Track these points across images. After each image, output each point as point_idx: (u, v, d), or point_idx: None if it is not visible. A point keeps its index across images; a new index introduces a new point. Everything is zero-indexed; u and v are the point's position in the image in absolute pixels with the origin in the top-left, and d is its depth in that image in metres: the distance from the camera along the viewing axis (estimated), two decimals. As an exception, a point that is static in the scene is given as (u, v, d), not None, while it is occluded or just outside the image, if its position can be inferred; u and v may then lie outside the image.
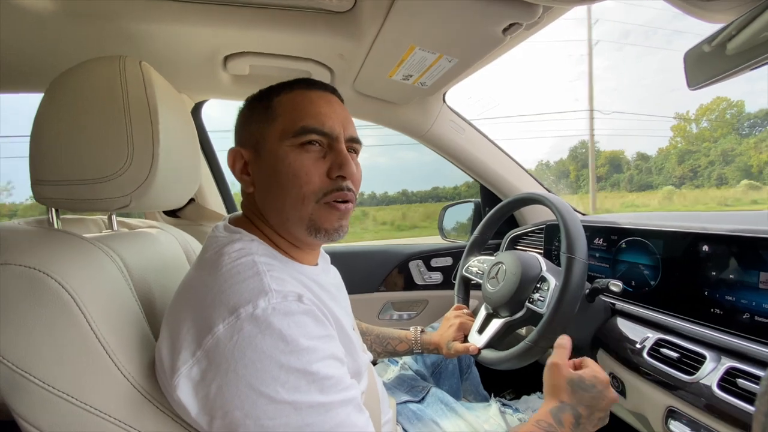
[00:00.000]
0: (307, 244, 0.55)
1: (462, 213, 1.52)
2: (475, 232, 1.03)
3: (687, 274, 0.70)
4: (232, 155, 0.54)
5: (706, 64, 0.55)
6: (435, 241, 1.54)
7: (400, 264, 1.38)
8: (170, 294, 0.49)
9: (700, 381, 0.58)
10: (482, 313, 0.87)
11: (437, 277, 1.40)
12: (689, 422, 0.60)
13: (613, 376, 0.75)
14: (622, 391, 0.74)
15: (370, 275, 1.37)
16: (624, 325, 0.77)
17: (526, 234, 1.20)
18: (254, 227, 0.54)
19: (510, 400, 0.88)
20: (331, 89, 0.56)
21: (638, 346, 0.70)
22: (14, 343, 0.39)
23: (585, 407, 0.58)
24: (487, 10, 0.62)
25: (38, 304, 0.40)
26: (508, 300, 0.78)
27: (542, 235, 1.11)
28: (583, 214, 1.18)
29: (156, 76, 0.53)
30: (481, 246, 1.04)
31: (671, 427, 0.62)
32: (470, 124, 1.21)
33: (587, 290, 0.75)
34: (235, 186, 1.33)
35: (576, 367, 0.63)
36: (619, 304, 0.81)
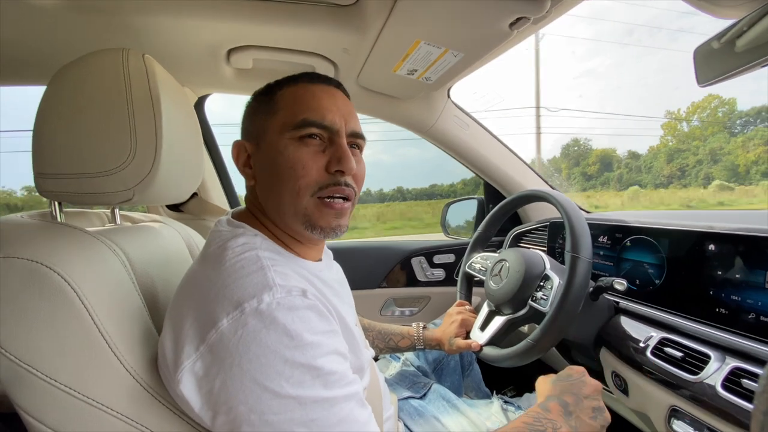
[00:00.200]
0: (308, 239, 0.55)
1: (465, 210, 1.51)
2: (479, 229, 1.03)
3: (692, 273, 0.70)
4: (236, 148, 0.55)
5: (715, 61, 0.54)
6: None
7: (402, 260, 1.38)
8: (173, 288, 0.49)
9: (704, 381, 0.58)
10: (485, 310, 0.86)
11: (439, 273, 1.39)
12: (692, 422, 0.60)
13: (616, 375, 0.75)
14: (624, 390, 0.73)
15: (372, 271, 1.37)
16: (628, 324, 0.76)
17: (529, 231, 1.20)
18: (257, 222, 0.54)
19: (512, 397, 0.87)
20: (335, 83, 0.56)
21: (642, 344, 0.69)
22: (17, 336, 0.40)
23: (569, 395, 0.61)
24: (494, 4, 0.61)
25: (41, 298, 0.40)
26: (511, 298, 0.78)
27: (546, 232, 1.11)
28: (588, 212, 1.17)
29: (159, 69, 0.52)
30: (485, 243, 1.04)
31: (674, 426, 0.62)
32: (475, 120, 1.20)
33: (591, 288, 0.75)
34: (239, 182, 1.33)
35: None
36: (623, 303, 0.81)
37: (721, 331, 0.62)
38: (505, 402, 0.83)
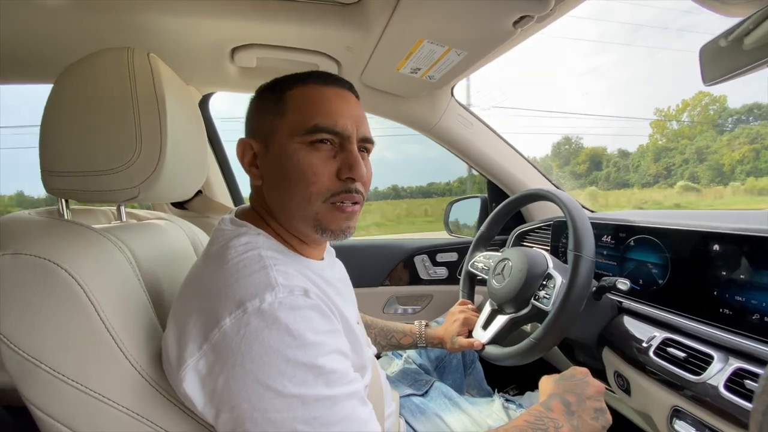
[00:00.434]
0: (313, 240, 0.55)
1: (468, 208, 1.51)
2: (482, 228, 1.03)
3: (696, 273, 0.69)
4: (242, 146, 0.53)
5: (722, 59, 0.54)
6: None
7: (405, 258, 1.38)
8: (177, 285, 0.49)
9: (707, 381, 0.58)
10: (487, 309, 0.86)
11: (442, 272, 1.39)
12: (694, 422, 0.60)
13: (618, 375, 0.75)
14: (627, 390, 0.73)
15: (375, 269, 1.37)
16: (630, 324, 0.76)
17: (532, 230, 1.19)
18: (261, 221, 0.54)
19: (513, 395, 0.88)
20: (347, 85, 0.54)
21: (644, 344, 0.69)
22: (25, 332, 0.40)
23: (572, 395, 0.61)
24: (498, 3, 0.61)
25: (48, 294, 0.41)
26: (514, 296, 0.78)
27: (549, 231, 1.10)
28: (592, 211, 1.17)
29: (164, 67, 0.53)
30: (488, 242, 1.03)
31: (676, 426, 0.62)
32: (478, 119, 1.20)
33: (594, 288, 0.75)
34: (243, 180, 1.34)
35: None
36: (626, 303, 0.81)
37: (724, 331, 0.62)
38: (507, 400, 0.83)
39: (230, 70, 0.95)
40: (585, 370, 0.66)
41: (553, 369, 1.13)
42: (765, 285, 0.59)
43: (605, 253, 0.90)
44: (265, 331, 0.39)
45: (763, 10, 0.46)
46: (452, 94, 1.13)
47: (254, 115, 0.54)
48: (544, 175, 1.30)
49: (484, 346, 0.81)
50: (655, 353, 0.67)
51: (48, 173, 0.49)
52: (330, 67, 0.92)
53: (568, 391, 0.61)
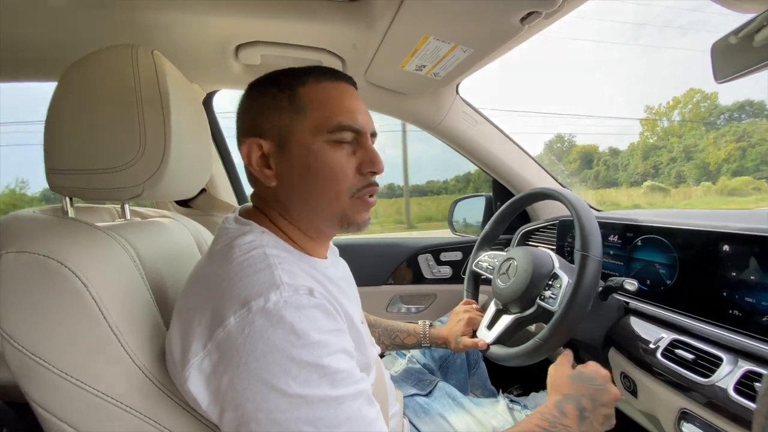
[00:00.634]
0: (327, 235, 0.56)
1: (473, 207, 1.50)
2: (486, 227, 1.02)
3: (705, 274, 0.68)
4: (248, 147, 0.51)
5: (733, 57, 0.53)
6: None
7: (409, 257, 1.37)
8: (181, 283, 0.49)
9: (716, 384, 0.57)
10: (492, 309, 0.86)
11: (446, 271, 1.39)
12: (702, 425, 0.59)
13: (625, 376, 0.74)
14: (633, 391, 0.72)
15: (378, 268, 1.37)
16: (637, 325, 0.75)
17: (538, 229, 1.18)
18: (266, 219, 0.53)
19: (518, 396, 0.87)
20: (352, 80, 0.55)
21: (652, 346, 0.68)
22: (28, 329, 0.40)
23: (588, 400, 0.59)
24: (505, -1, 0.60)
25: (51, 292, 0.41)
26: (519, 296, 0.77)
27: (555, 231, 1.09)
28: (599, 210, 1.15)
29: (168, 65, 0.52)
30: (492, 241, 1.03)
31: (683, 429, 0.61)
32: (483, 117, 1.19)
33: (601, 288, 0.74)
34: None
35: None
36: (633, 303, 0.80)
37: (734, 333, 0.61)
38: (511, 401, 0.82)
39: (234, 68, 0.95)
40: (607, 374, 0.64)
41: (558, 369, 1.12)
42: (776, 286, 0.58)
43: (612, 252, 0.89)
44: (269, 331, 0.39)
45: None
46: (457, 92, 1.12)
47: (259, 114, 0.52)
48: (549, 174, 1.29)
49: (488, 346, 0.80)
50: (662, 355, 0.66)
51: (52, 171, 0.49)
52: (334, 65, 0.92)
53: (585, 396, 0.59)
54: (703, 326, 0.65)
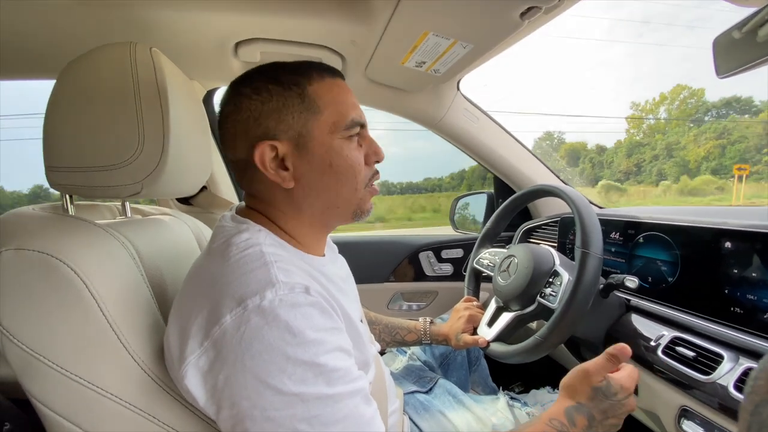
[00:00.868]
0: (332, 230, 0.59)
1: (474, 204, 1.49)
2: (488, 224, 1.02)
3: (707, 271, 0.68)
4: (260, 150, 0.48)
5: (736, 51, 0.52)
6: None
7: (410, 255, 1.37)
8: (181, 281, 0.49)
9: (717, 381, 0.57)
10: (492, 306, 0.86)
11: (447, 268, 1.39)
12: (703, 422, 0.59)
13: None
14: (634, 389, 0.72)
15: (379, 265, 1.37)
16: (638, 322, 0.75)
17: (539, 227, 1.18)
18: (263, 217, 0.53)
19: (518, 393, 0.87)
20: (343, 76, 0.56)
21: (653, 343, 0.68)
22: (28, 326, 0.41)
23: (600, 412, 0.55)
24: (505, -6, 0.59)
25: (51, 289, 0.41)
26: (520, 294, 0.77)
27: (556, 228, 1.09)
28: (600, 207, 1.15)
29: (166, 62, 0.52)
30: (493, 238, 1.02)
31: (684, 426, 0.61)
32: (485, 113, 1.18)
33: (601, 285, 0.73)
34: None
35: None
36: (634, 301, 0.79)
37: (735, 330, 0.61)
38: (512, 398, 0.82)
39: (234, 65, 0.94)
40: (630, 389, 0.56)
41: (559, 366, 1.12)
42: (778, 283, 0.57)
43: (613, 250, 0.88)
44: (265, 329, 0.39)
45: None
46: (458, 88, 1.11)
47: (265, 115, 0.49)
48: (551, 171, 1.28)
49: (489, 343, 0.80)
50: (663, 352, 0.66)
51: (51, 168, 0.49)
52: (334, 62, 0.91)
53: (599, 410, 0.55)
54: (704, 323, 0.65)
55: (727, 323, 0.63)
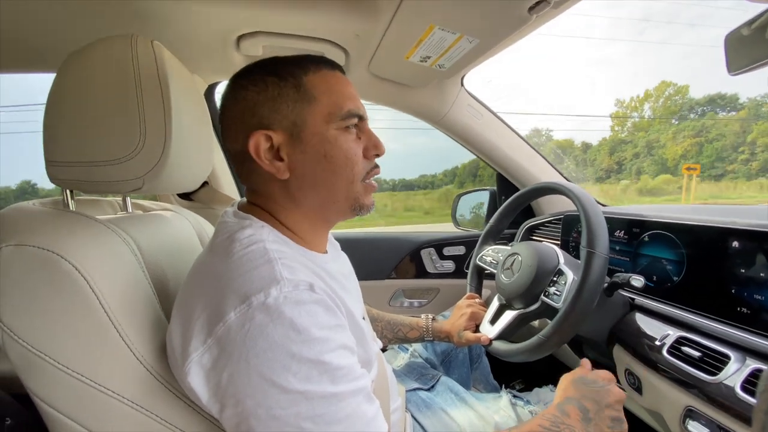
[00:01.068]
0: (333, 225, 0.58)
1: (477, 201, 1.49)
2: (491, 221, 1.01)
3: (713, 270, 0.67)
4: (255, 140, 0.48)
5: (745, 49, 0.52)
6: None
7: (412, 252, 1.37)
8: (183, 277, 0.49)
9: (723, 382, 0.56)
10: (495, 304, 0.85)
11: (449, 265, 1.38)
12: (708, 423, 0.58)
13: (630, 373, 0.74)
14: (638, 388, 0.72)
15: (381, 262, 1.36)
16: (643, 321, 0.74)
17: (543, 224, 1.17)
18: (265, 213, 0.53)
19: (520, 391, 0.87)
20: (343, 70, 0.56)
21: (657, 343, 0.68)
22: (28, 323, 0.40)
23: (591, 401, 0.59)
24: (513, -13, 0.58)
25: (51, 285, 0.40)
26: (523, 292, 0.76)
27: (560, 225, 1.08)
28: (605, 206, 1.14)
29: (168, 55, 0.51)
30: (496, 235, 1.02)
31: (689, 427, 0.60)
32: (489, 110, 1.17)
33: (606, 284, 0.73)
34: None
35: None
36: (639, 300, 0.79)
37: (741, 330, 0.60)
38: (514, 396, 0.82)
39: (236, 59, 0.93)
40: (610, 376, 0.64)
41: (561, 365, 1.12)
42: (787, 284, 0.57)
43: (618, 248, 0.88)
44: (269, 326, 0.38)
45: None
46: (462, 84, 1.10)
47: (260, 105, 0.49)
48: (555, 168, 1.27)
49: (491, 341, 0.80)
50: (668, 352, 0.65)
51: (52, 163, 0.48)
52: (337, 56, 0.90)
53: (586, 397, 0.60)
54: (710, 323, 0.65)
55: (734, 323, 0.62)
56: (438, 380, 0.85)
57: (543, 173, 1.25)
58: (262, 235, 0.47)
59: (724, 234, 0.66)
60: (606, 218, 0.71)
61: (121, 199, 0.67)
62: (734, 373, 0.56)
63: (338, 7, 0.74)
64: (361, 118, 0.53)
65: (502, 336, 0.79)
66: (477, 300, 0.93)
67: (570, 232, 1.04)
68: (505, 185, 1.34)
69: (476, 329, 0.86)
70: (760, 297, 0.60)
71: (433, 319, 0.92)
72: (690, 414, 0.61)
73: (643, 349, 0.70)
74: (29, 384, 0.41)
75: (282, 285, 0.40)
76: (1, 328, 0.40)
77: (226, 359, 0.39)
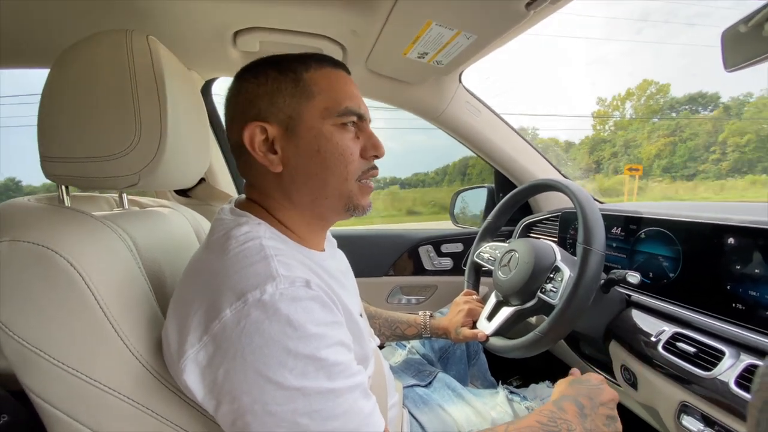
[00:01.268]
0: (328, 223, 0.57)
1: (475, 198, 1.49)
2: (488, 218, 1.01)
3: (709, 267, 0.67)
4: (250, 130, 0.49)
5: (742, 45, 0.52)
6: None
7: (409, 249, 1.37)
8: (180, 273, 0.48)
9: (717, 377, 0.57)
10: (492, 301, 0.85)
11: (447, 262, 1.38)
12: (703, 418, 0.59)
13: (625, 368, 0.74)
14: (633, 384, 0.72)
15: (379, 259, 1.36)
16: (639, 317, 0.75)
17: (540, 221, 1.17)
18: (263, 210, 0.53)
19: (517, 387, 0.87)
20: (347, 69, 0.56)
21: (653, 338, 0.68)
22: (24, 320, 0.40)
23: (586, 398, 0.60)
24: (510, -17, 0.58)
25: (46, 282, 0.40)
26: (520, 289, 0.77)
27: (557, 223, 1.08)
28: (602, 203, 1.14)
29: (164, 51, 0.51)
30: (494, 232, 1.02)
31: (683, 422, 0.61)
32: (487, 106, 1.17)
33: (603, 281, 0.73)
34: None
35: None
36: (635, 296, 0.79)
37: (736, 327, 0.61)
38: (511, 392, 0.82)
39: (233, 55, 0.93)
40: (601, 377, 0.66)
41: (558, 361, 1.12)
42: (781, 280, 0.57)
43: (615, 245, 0.88)
44: (265, 323, 0.38)
45: None
46: (460, 81, 1.10)
47: (259, 97, 0.50)
48: (553, 165, 1.27)
49: (488, 337, 0.80)
50: (663, 348, 0.66)
51: (47, 159, 0.48)
52: (335, 52, 0.90)
53: (581, 395, 0.61)
54: (705, 319, 0.65)
55: (729, 319, 0.62)
56: (435, 377, 0.86)
57: (541, 170, 1.25)
58: (258, 232, 0.47)
59: (720, 231, 0.66)
60: (603, 215, 0.71)
61: (117, 195, 0.67)
62: (729, 368, 0.56)
63: (335, 3, 0.74)
64: (361, 118, 0.53)
65: (499, 332, 0.80)
66: (474, 297, 0.94)
67: (567, 229, 1.05)
68: (502, 182, 1.34)
69: (473, 326, 0.86)
70: (755, 293, 0.60)
71: (431, 315, 0.92)
72: (685, 409, 0.61)
73: (638, 345, 0.70)
74: (25, 380, 0.41)
75: (278, 281, 0.40)
76: None
77: (221, 356, 0.38)
